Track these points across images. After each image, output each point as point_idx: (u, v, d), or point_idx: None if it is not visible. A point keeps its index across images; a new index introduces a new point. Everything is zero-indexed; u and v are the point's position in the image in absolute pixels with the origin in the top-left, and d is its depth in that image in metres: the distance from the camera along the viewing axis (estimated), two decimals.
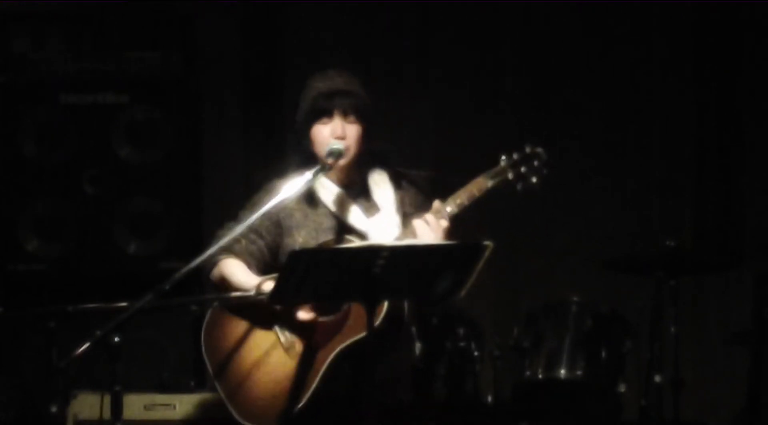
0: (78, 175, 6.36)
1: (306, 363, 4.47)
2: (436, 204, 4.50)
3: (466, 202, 4.50)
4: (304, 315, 4.43)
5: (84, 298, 4.60)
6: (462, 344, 5.85)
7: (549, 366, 5.79)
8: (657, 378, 5.79)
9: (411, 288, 4.23)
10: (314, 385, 4.43)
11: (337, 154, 4.56)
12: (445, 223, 4.46)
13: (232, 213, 4.70)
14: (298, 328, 4.50)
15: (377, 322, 4.25)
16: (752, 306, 6.43)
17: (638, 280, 6.11)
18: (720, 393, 6.82)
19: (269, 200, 4.44)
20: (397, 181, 4.72)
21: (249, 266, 4.61)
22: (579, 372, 5.75)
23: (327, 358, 4.43)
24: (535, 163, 4.60)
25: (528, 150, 4.61)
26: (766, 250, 6.73)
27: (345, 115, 4.60)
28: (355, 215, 4.61)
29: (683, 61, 7.05)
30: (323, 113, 4.61)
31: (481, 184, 4.53)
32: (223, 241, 4.42)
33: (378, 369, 4.33)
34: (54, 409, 5.26)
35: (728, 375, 6.79)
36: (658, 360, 5.80)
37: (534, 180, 4.58)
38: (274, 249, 4.65)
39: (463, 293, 4.21)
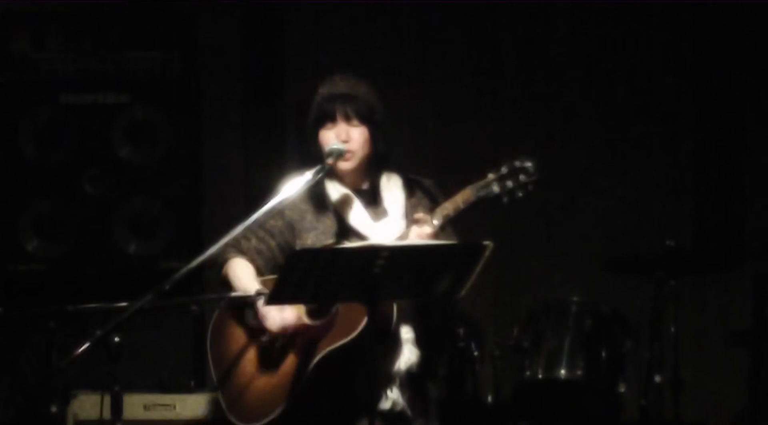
0: (78, 175, 6.35)
1: (293, 369, 4.48)
2: (421, 215, 4.48)
3: (451, 214, 4.48)
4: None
5: (84, 298, 4.61)
6: (462, 344, 5.85)
7: (549, 366, 5.78)
8: (657, 378, 5.78)
9: (411, 288, 4.23)
10: (300, 389, 4.43)
11: (337, 154, 4.56)
12: (428, 229, 4.44)
13: (233, 213, 4.70)
14: (283, 334, 4.51)
15: (359, 330, 4.27)
16: (752, 306, 6.44)
17: (638, 280, 6.10)
18: (720, 393, 6.81)
19: (283, 204, 4.45)
20: (410, 188, 4.70)
21: (255, 264, 4.62)
22: (579, 372, 5.75)
23: (312, 362, 4.43)
24: (521, 177, 4.51)
25: (517, 164, 4.52)
26: (766, 250, 6.73)
27: (348, 118, 4.60)
28: (361, 219, 4.60)
29: (683, 61, 7.05)
30: (327, 118, 4.61)
31: (467, 196, 4.49)
32: (222, 242, 4.40)
33: (366, 373, 4.32)
34: (54, 409, 5.26)
35: (728, 375, 6.79)
36: (658, 360, 5.79)
37: (520, 194, 4.52)
38: (287, 250, 4.62)
39: (463, 293, 4.21)
